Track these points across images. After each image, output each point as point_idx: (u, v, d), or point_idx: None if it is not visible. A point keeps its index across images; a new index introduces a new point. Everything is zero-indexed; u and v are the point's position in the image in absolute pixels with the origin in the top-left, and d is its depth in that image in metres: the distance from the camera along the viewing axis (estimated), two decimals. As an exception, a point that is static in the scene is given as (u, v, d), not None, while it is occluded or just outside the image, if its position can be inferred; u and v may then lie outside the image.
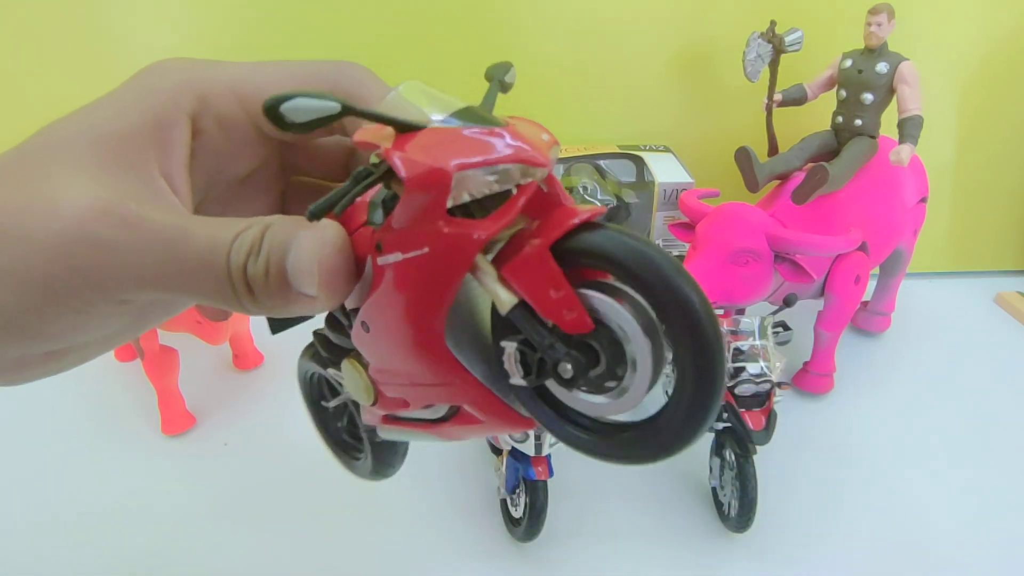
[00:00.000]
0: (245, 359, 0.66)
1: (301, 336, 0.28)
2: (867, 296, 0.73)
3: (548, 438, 0.46)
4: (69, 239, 0.19)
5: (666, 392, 0.18)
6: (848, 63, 0.65)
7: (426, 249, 0.16)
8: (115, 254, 0.19)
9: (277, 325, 0.25)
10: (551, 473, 0.47)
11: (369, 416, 0.24)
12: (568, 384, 0.17)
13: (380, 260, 0.18)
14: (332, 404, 0.28)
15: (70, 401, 0.62)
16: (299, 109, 0.16)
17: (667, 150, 0.74)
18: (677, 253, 0.70)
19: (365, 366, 0.22)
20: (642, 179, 0.72)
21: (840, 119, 0.66)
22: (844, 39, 0.66)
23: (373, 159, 0.18)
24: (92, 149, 0.21)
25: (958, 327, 0.77)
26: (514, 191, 0.17)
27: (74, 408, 0.62)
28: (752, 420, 0.48)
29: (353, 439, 0.31)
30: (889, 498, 0.55)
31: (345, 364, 0.22)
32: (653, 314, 0.16)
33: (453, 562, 0.49)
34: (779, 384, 0.49)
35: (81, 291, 0.20)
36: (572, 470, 0.55)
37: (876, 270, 0.72)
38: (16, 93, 0.69)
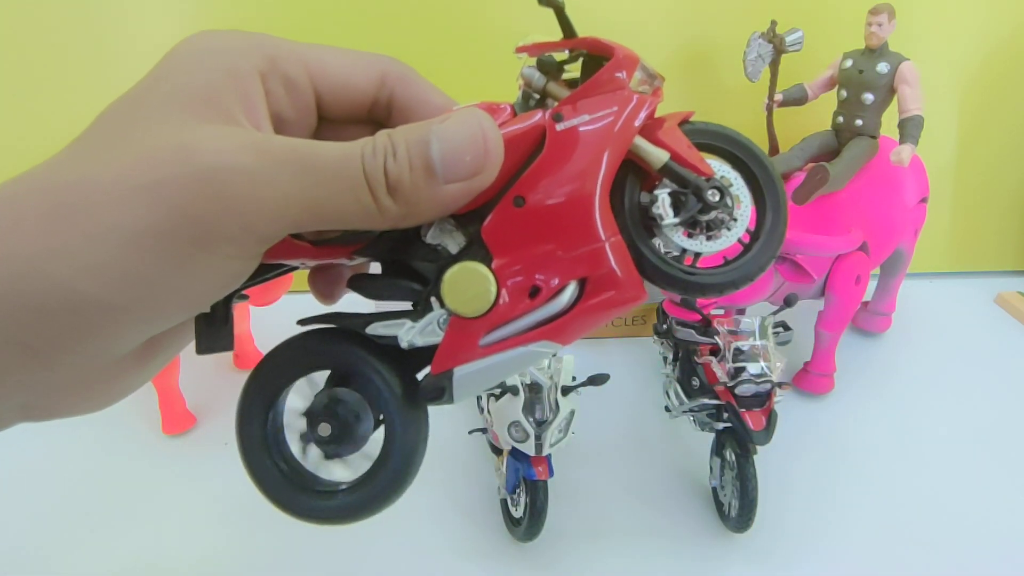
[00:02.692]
0: (246, 359, 0.66)
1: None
2: (868, 296, 0.73)
3: (548, 438, 0.46)
4: (211, 173, 0.18)
5: (742, 241, 0.23)
6: (849, 63, 0.65)
7: (615, 108, 0.22)
8: (257, 180, 0.19)
9: (206, 345, 0.25)
10: (551, 473, 0.47)
11: (459, 348, 0.22)
12: (691, 225, 0.22)
13: (560, 126, 0.22)
14: (406, 343, 0.23)
15: (71, 401, 0.62)
16: None
17: (668, 150, 0.74)
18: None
19: (488, 260, 0.22)
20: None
21: (841, 119, 0.66)
22: (845, 39, 0.66)
23: (560, 56, 0.24)
24: (184, 106, 0.20)
25: (959, 327, 0.77)
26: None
27: (75, 408, 0.62)
28: (752, 420, 0.48)
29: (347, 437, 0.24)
30: (889, 498, 0.55)
31: (454, 271, 0.22)
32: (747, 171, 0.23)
33: (453, 562, 0.49)
34: (779, 384, 0.49)
35: (228, 228, 0.19)
36: (572, 470, 0.55)
37: (877, 270, 0.72)
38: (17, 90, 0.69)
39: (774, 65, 0.68)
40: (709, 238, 0.22)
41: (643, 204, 0.22)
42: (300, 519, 0.24)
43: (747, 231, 0.23)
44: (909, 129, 0.62)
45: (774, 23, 0.67)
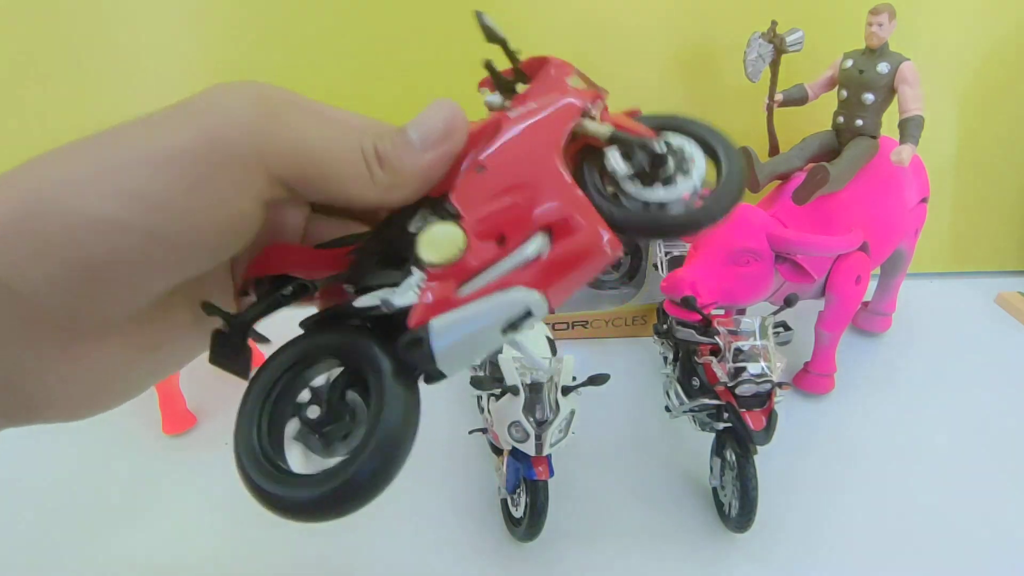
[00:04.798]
0: (245, 359, 0.66)
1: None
2: (868, 296, 0.73)
3: (549, 438, 0.46)
4: (239, 108, 0.21)
5: (703, 197, 0.25)
6: (849, 63, 0.65)
7: (556, 94, 0.25)
8: (279, 119, 0.22)
9: (219, 360, 0.27)
10: (551, 473, 0.47)
11: (435, 299, 0.22)
12: (646, 178, 0.25)
13: (512, 113, 0.25)
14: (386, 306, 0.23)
15: (71, 400, 0.62)
16: (492, 23, 0.26)
17: (668, 150, 0.74)
18: (678, 253, 0.70)
19: (456, 217, 0.24)
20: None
21: (841, 119, 0.66)
22: (845, 39, 0.66)
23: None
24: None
25: (959, 327, 0.77)
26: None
27: (75, 407, 0.62)
28: (753, 420, 0.48)
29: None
30: (889, 498, 0.55)
31: (427, 230, 0.24)
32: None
33: (453, 562, 0.49)
34: (780, 384, 0.49)
35: (243, 152, 0.21)
36: (572, 470, 0.55)
37: (877, 270, 0.72)
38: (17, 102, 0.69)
39: (774, 65, 0.68)
40: (666, 185, 0.25)
41: (603, 179, 0.25)
42: (275, 513, 0.23)
43: (706, 187, 0.25)
44: (909, 129, 0.62)
45: (774, 23, 0.67)
